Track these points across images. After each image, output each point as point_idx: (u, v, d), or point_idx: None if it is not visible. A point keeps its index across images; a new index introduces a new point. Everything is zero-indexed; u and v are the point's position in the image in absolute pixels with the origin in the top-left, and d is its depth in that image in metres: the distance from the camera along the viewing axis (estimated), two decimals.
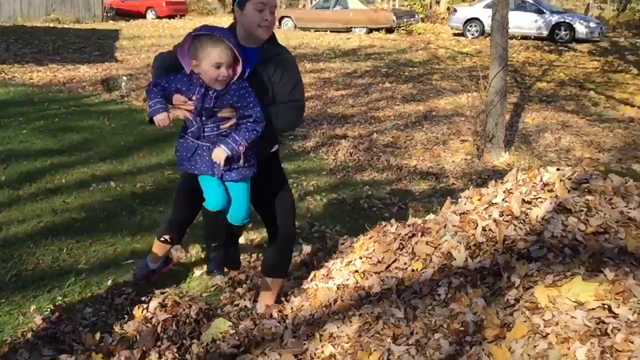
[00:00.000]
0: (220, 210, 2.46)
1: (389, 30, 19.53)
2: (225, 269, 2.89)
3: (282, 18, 21.04)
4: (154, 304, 2.84)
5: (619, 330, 1.64)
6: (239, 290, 3.19)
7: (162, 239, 2.85)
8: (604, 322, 1.70)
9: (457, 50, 15.72)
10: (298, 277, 3.30)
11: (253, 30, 2.39)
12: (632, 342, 1.61)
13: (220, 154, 2.29)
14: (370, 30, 19.66)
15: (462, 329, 1.91)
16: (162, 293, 3.06)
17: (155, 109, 2.25)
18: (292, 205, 2.82)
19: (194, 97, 2.27)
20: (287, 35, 18.12)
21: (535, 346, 1.71)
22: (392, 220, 3.16)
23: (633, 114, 9.10)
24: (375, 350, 1.98)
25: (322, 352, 2.14)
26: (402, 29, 19.58)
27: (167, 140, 6.11)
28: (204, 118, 2.30)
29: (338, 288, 2.66)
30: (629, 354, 1.60)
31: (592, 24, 17.35)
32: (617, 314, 1.68)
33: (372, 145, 7.16)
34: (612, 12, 20.84)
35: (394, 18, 19.43)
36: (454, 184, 5.92)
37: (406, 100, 9.85)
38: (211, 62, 2.21)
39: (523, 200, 2.15)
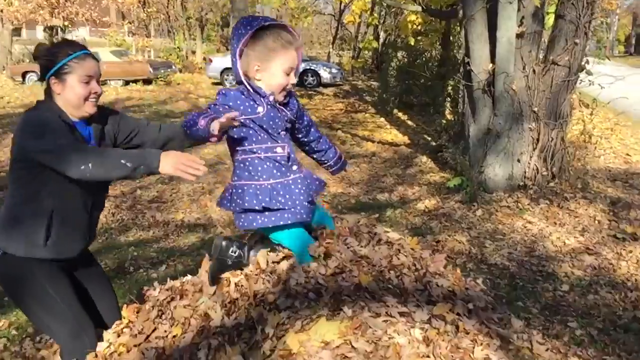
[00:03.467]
0: None
1: (147, 82, 19.24)
2: None
3: (25, 73, 19.28)
4: None
5: None
6: None
7: None
8: (347, 357, 1.86)
9: None
10: None
11: (80, 104, 2.22)
12: None
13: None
14: (127, 83, 19.12)
15: None
16: None
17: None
18: None
19: (260, 114, 1.83)
20: (33, 90, 16.63)
21: None
22: (156, 284, 3.07)
23: (374, 149, 10.34)
24: None
25: None
26: (161, 80, 19.48)
27: None
28: (283, 137, 1.90)
29: None
30: None
31: (334, 70, 19.42)
32: (356, 347, 1.86)
33: (136, 203, 6.91)
34: (349, 59, 23.64)
35: (151, 69, 19.24)
36: (222, 232, 6.00)
37: None
38: (284, 65, 1.81)
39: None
